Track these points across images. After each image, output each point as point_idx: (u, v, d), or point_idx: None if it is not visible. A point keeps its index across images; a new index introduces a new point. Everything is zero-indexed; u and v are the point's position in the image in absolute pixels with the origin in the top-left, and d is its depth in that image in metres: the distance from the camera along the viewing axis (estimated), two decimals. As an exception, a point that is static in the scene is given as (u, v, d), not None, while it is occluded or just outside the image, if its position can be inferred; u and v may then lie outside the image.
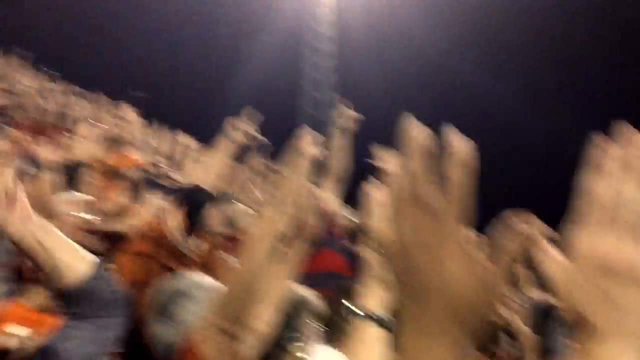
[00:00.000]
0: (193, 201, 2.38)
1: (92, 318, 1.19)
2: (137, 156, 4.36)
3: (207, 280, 1.45)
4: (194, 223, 2.31)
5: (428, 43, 17.79)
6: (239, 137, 2.49)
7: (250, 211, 3.85)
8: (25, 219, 1.14)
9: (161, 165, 4.79)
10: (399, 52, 20.08)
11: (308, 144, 1.19)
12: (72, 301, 1.19)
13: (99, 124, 5.43)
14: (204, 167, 2.50)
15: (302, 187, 1.16)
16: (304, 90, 24.73)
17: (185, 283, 1.40)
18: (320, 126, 22.36)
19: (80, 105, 7.23)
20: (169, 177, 4.14)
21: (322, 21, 25.29)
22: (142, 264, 2.09)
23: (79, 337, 1.16)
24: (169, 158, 5.26)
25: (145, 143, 5.22)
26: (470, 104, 15.67)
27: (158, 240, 2.14)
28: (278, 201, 1.15)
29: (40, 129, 5.16)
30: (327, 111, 24.65)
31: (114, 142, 4.68)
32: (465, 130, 0.56)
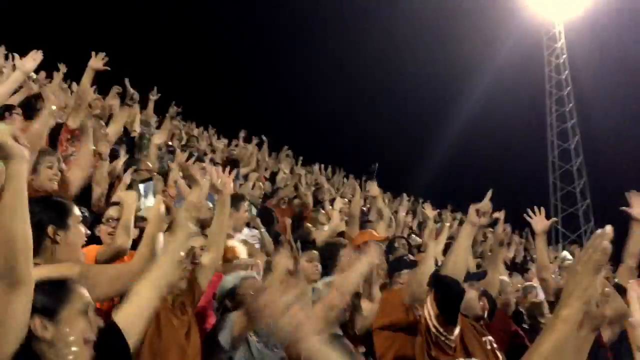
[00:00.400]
0: (445, 284, 2.34)
1: None
2: (383, 233, 4.52)
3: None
4: (446, 305, 2.26)
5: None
6: (481, 220, 2.46)
7: (508, 285, 3.63)
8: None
9: (408, 240, 4.86)
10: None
11: (604, 240, 1.15)
12: None
13: (346, 201, 5.80)
14: (454, 249, 2.47)
15: (596, 285, 1.14)
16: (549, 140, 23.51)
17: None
18: (568, 176, 20.75)
19: (326, 185, 7.92)
20: (415, 254, 4.15)
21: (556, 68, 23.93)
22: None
23: None
24: (413, 231, 5.33)
25: (390, 218, 5.39)
26: None
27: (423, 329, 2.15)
28: (576, 298, 1.13)
29: (301, 213, 5.75)
30: (574, 161, 22.84)
31: (358, 219, 4.91)
32: None
